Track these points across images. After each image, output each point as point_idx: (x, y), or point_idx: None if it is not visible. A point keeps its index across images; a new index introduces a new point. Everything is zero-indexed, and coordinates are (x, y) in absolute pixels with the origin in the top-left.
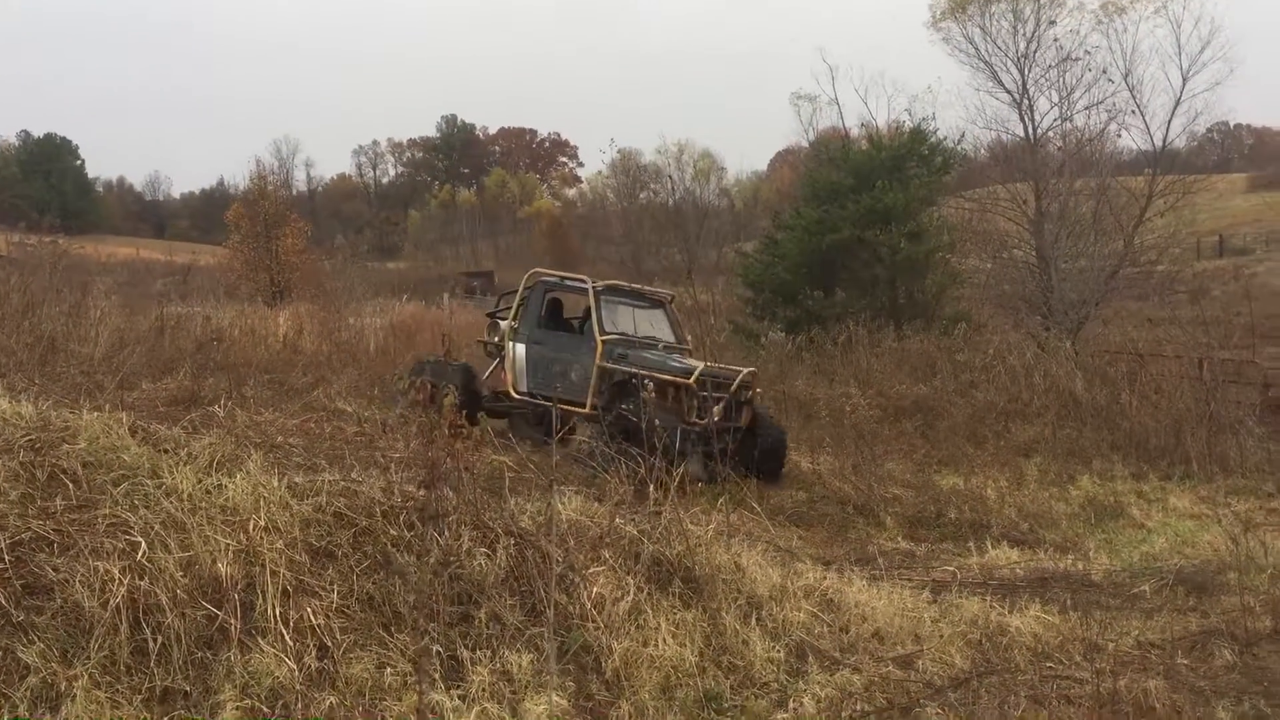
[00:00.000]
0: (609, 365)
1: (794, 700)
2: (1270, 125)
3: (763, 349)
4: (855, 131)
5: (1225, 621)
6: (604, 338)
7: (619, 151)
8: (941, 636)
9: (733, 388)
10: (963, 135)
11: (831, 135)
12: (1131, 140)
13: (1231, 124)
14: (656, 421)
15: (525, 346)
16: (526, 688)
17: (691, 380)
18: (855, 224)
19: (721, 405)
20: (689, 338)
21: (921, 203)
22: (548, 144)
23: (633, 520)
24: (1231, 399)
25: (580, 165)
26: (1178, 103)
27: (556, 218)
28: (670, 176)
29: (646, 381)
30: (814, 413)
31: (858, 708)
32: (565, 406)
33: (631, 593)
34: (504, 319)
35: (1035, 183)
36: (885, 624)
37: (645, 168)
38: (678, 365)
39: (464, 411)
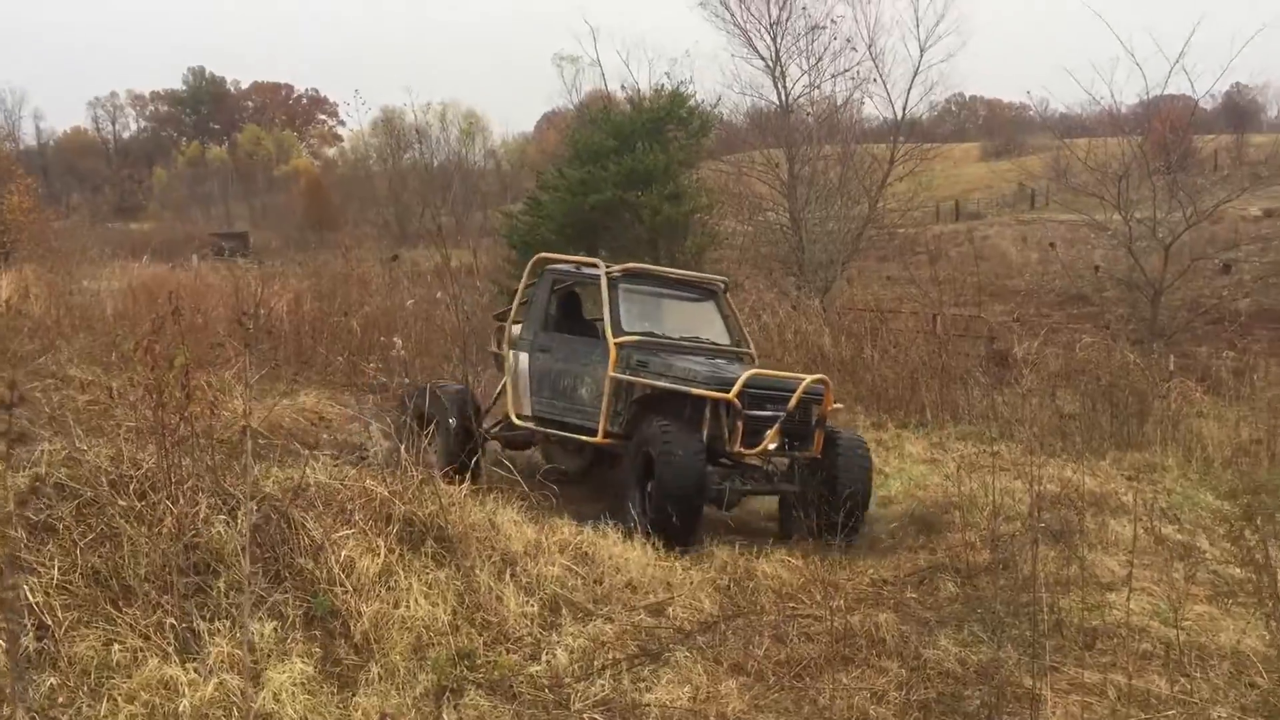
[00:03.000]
0: (624, 376)
1: (547, 653)
2: (1001, 98)
3: None
4: (618, 94)
5: (949, 556)
6: (618, 340)
7: (381, 110)
8: (692, 584)
9: (791, 404)
10: (719, 99)
11: (596, 97)
12: (875, 108)
13: (967, 96)
14: (676, 455)
15: (529, 356)
16: (269, 656)
17: (732, 394)
18: (617, 185)
19: (776, 428)
20: (749, 339)
21: (681, 165)
22: (305, 100)
23: (384, 482)
24: (961, 352)
25: (341, 124)
26: (916, 73)
27: (316, 177)
28: (416, 132)
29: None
30: None
31: (609, 656)
32: (571, 435)
33: (382, 554)
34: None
35: (788, 148)
36: (638, 574)
37: (409, 128)
38: (714, 374)
39: (463, 452)
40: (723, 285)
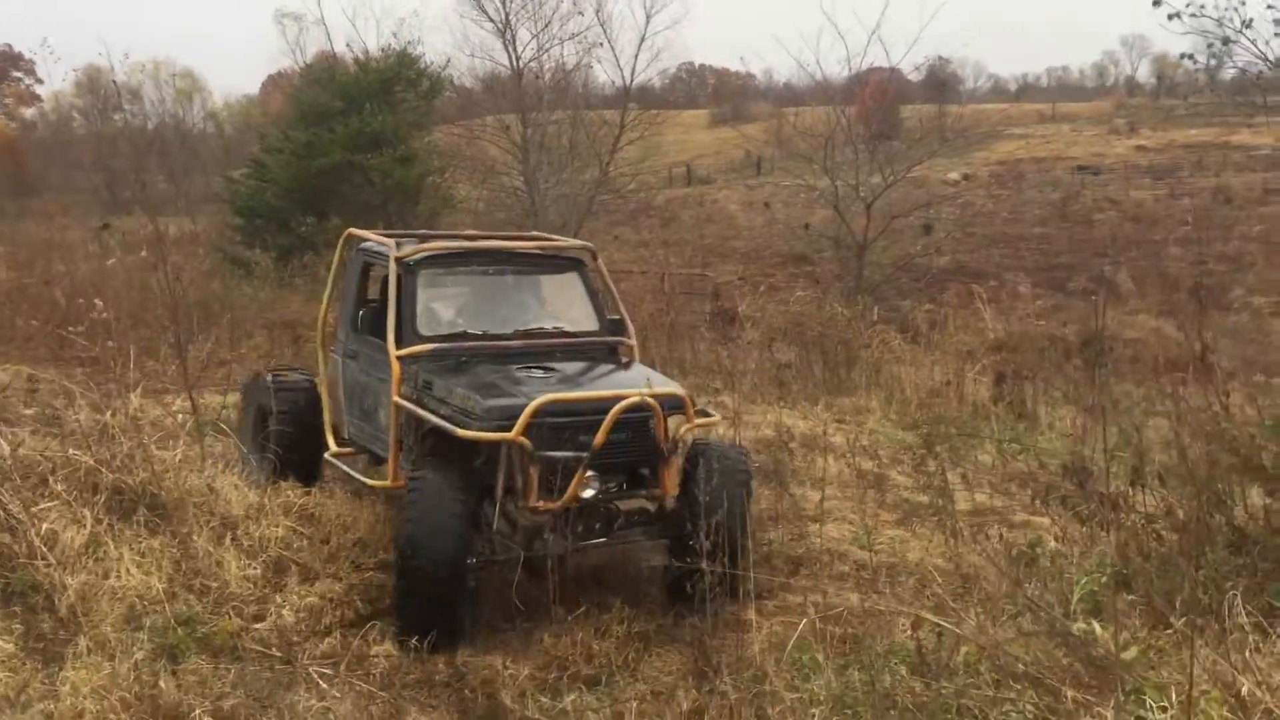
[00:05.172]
0: (407, 404)
1: (274, 614)
2: (729, 67)
3: (255, 277)
4: (345, 54)
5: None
6: (403, 352)
7: (84, 70)
8: None
9: (597, 439)
10: (449, 61)
11: (321, 57)
12: (606, 74)
13: (697, 64)
14: (420, 518)
15: (342, 362)
16: None
17: (514, 434)
18: (345, 148)
19: (580, 473)
20: (627, 319)
21: (412, 127)
22: None
23: (90, 451)
24: (689, 309)
25: (39, 83)
26: (642, 39)
27: (12, 141)
28: (115, 86)
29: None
30: (309, 337)
31: (338, 614)
32: (369, 481)
33: (89, 525)
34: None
35: (520, 112)
36: (368, 533)
37: (117, 88)
38: (501, 402)
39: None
40: (591, 253)
